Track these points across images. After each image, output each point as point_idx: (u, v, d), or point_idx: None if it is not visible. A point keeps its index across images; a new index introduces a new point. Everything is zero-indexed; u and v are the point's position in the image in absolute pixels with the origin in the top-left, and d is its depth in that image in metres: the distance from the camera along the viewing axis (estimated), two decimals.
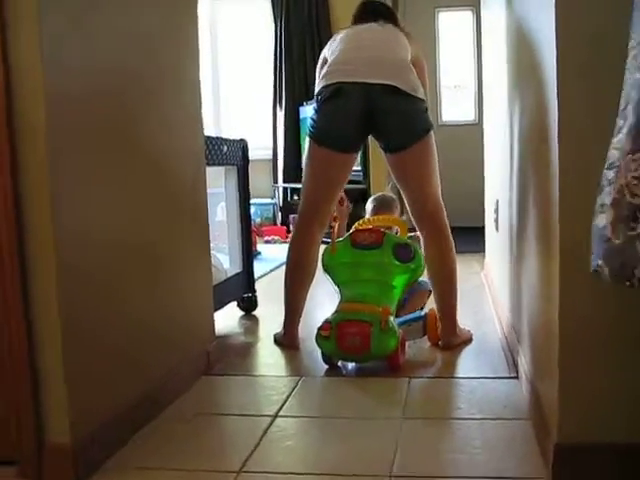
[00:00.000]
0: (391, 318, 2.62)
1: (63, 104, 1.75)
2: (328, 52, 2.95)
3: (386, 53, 2.81)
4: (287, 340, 3.06)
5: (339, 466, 1.84)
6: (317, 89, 2.85)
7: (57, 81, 1.72)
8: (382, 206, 3.34)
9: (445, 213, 2.87)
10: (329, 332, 2.62)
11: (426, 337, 2.93)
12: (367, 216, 3.30)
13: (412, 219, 2.94)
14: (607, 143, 1.19)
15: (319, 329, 2.66)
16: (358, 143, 2.90)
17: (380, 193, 3.63)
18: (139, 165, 2.19)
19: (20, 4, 1.64)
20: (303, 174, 2.98)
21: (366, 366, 2.66)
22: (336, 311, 2.70)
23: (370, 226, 3.06)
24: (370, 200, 3.48)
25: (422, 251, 2.88)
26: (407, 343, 2.76)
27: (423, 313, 2.97)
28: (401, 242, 2.89)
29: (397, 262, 2.82)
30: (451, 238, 2.87)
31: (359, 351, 2.58)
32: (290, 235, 3.06)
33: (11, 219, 1.69)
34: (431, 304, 3.05)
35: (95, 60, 1.92)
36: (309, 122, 2.89)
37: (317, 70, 3.00)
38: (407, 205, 2.92)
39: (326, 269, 2.94)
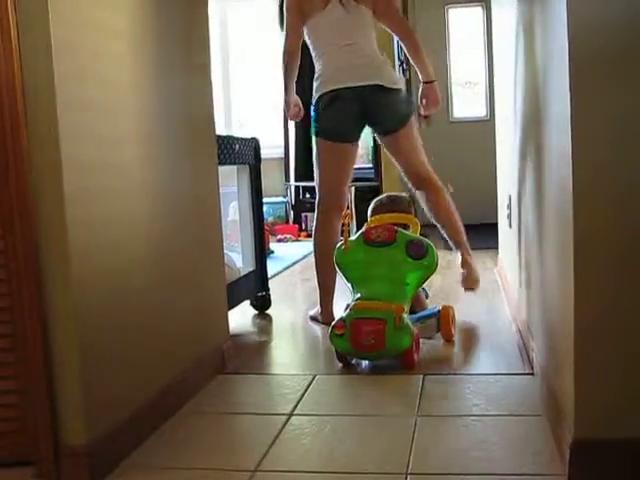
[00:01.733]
0: (405, 315, 2.61)
1: (77, 114, 1.76)
2: (308, 39, 3.34)
3: (365, 55, 3.24)
4: (325, 318, 3.30)
5: (355, 464, 1.84)
6: (315, 95, 3.30)
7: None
8: (394, 204, 3.31)
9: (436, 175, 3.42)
10: (343, 330, 2.61)
11: (440, 334, 2.93)
12: (369, 214, 3.28)
13: (411, 186, 3.44)
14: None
15: (333, 327, 2.66)
16: (357, 134, 3.37)
17: (391, 193, 3.59)
18: (151, 165, 2.19)
19: None
20: (315, 168, 3.42)
21: (380, 363, 2.66)
22: (350, 309, 2.70)
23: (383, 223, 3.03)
24: (378, 199, 3.40)
25: (436, 251, 2.86)
26: (421, 340, 2.74)
27: (436, 309, 2.96)
28: (414, 239, 2.88)
29: (410, 259, 2.81)
30: (446, 192, 3.39)
31: (373, 349, 2.57)
32: (313, 226, 3.43)
33: (27, 226, 1.70)
34: (442, 301, 3.05)
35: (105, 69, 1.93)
36: (313, 124, 3.41)
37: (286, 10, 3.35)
38: (405, 176, 3.45)
39: (339, 266, 2.93)
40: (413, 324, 2.68)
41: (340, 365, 2.69)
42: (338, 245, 2.96)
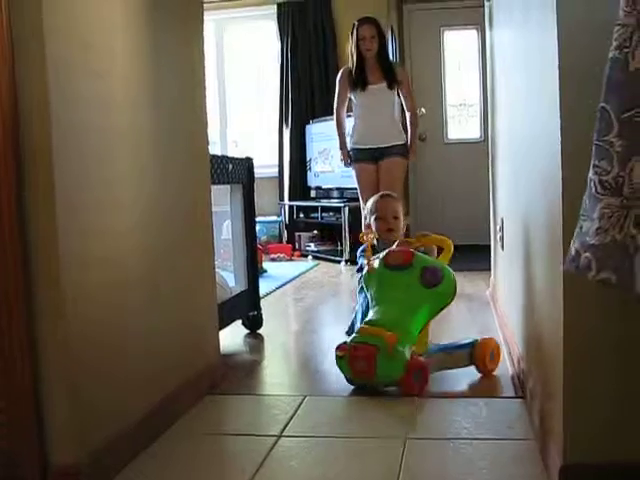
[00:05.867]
0: (399, 346, 2.52)
1: (70, 132, 1.77)
2: (356, 101, 5.05)
3: (386, 124, 4.98)
4: None
5: None
6: (350, 146, 5.09)
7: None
8: (387, 194, 3.39)
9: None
10: (344, 353, 2.61)
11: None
12: (368, 216, 3.26)
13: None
14: None
15: (337, 348, 2.65)
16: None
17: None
18: (144, 184, 2.20)
19: None
20: (356, 182, 5.09)
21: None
22: (355, 332, 2.67)
23: (410, 245, 2.95)
24: (377, 196, 3.45)
25: (453, 274, 2.77)
26: (439, 373, 2.68)
27: (470, 341, 2.81)
28: (430, 265, 2.76)
29: (423, 286, 2.70)
30: None
31: (366, 375, 2.55)
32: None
33: (15, 235, 1.70)
34: (487, 334, 3.02)
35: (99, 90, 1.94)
36: (352, 154, 5.07)
37: (337, 84, 5.10)
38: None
39: (365, 287, 2.87)
40: (434, 354, 2.67)
41: (330, 385, 2.68)
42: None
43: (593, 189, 1.20)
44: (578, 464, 1.63)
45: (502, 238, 3.59)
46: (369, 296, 2.82)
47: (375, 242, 3.12)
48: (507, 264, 3.30)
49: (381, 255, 2.88)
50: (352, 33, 4.94)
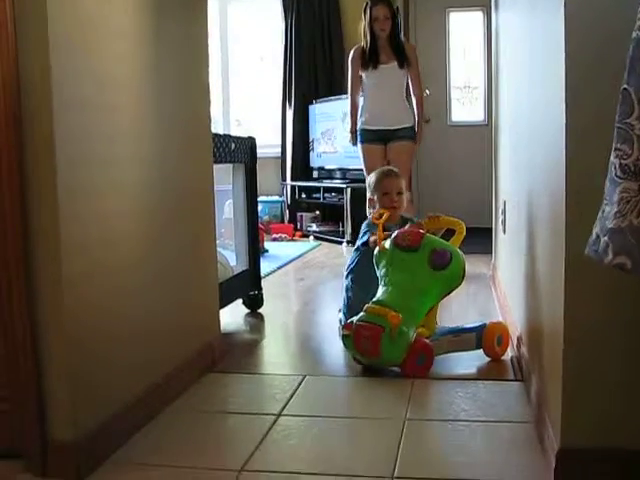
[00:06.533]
0: (403, 327, 2.52)
1: (72, 115, 1.76)
2: (367, 81, 4.97)
3: (395, 104, 4.94)
4: None
5: (341, 466, 1.84)
6: (360, 126, 4.98)
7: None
8: (390, 169, 3.37)
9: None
10: (349, 331, 2.62)
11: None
12: (369, 190, 3.24)
13: None
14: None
15: (343, 327, 2.67)
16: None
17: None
18: (145, 162, 2.19)
19: None
20: (362, 162, 5.01)
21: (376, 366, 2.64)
22: (363, 310, 2.67)
23: (421, 227, 2.94)
24: (379, 171, 3.39)
25: (462, 257, 2.77)
26: (445, 356, 2.68)
27: (479, 324, 2.80)
28: (438, 247, 2.75)
29: (431, 268, 2.69)
30: None
31: (370, 354, 2.56)
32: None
33: (18, 223, 1.70)
34: (487, 317, 3.04)
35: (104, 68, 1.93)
36: (359, 136, 4.98)
37: (350, 65, 5.02)
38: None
39: (375, 264, 2.85)
40: (441, 337, 2.68)
41: (329, 366, 2.69)
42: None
43: (613, 172, 1.18)
44: (575, 448, 1.63)
45: (504, 221, 3.59)
46: (378, 275, 2.81)
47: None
48: (508, 247, 3.29)
49: (392, 235, 2.86)
50: (365, 13, 4.91)
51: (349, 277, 3.12)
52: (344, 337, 2.65)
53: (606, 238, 1.17)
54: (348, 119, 5.16)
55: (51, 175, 1.70)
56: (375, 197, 3.21)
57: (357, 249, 3.15)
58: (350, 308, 2.99)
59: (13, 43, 1.65)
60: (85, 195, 1.84)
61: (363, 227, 3.18)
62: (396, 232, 2.87)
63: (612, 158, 1.18)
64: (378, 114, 4.93)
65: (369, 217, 3.17)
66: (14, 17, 1.64)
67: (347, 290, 3.10)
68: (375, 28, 4.86)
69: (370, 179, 3.32)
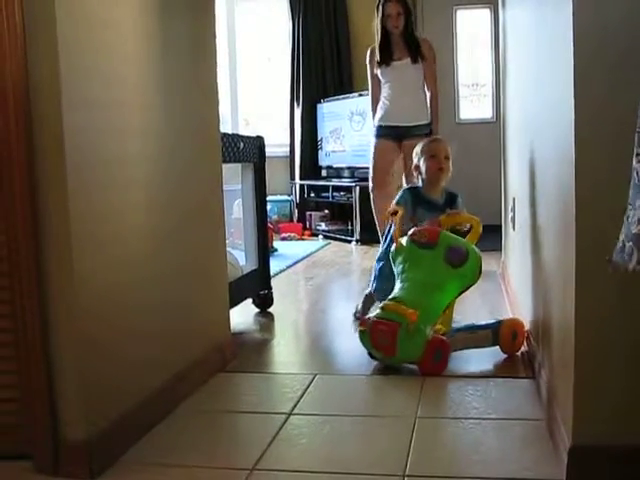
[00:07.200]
0: (420, 324, 2.52)
1: (81, 114, 1.77)
2: (382, 78, 4.99)
3: (410, 100, 4.93)
4: None
5: (352, 465, 1.84)
6: (376, 123, 5.02)
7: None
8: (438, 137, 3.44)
9: None
10: (365, 327, 2.62)
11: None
12: (418, 158, 3.21)
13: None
14: (625, 139, 1.18)
15: (360, 323, 2.69)
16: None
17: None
18: (154, 163, 2.20)
19: None
20: (371, 157, 5.04)
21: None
22: (379, 307, 2.69)
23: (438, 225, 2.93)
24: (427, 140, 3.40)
25: (479, 255, 2.78)
26: (454, 354, 2.66)
27: (496, 321, 2.81)
28: (454, 244, 2.75)
29: (447, 265, 2.70)
30: None
31: (387, 351, 2.56)
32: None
33: (29, 219, 1.71)
34: (498, 314, 3.03)
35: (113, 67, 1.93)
36: (375, 131, 5.03)
37: (368, 65, 5.04)
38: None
39: (392, 261, 2.87)
40: (461, 332, 2.69)
41: (340, 364, 2.69)
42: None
43: (636, 178, 1.17)
44: (587, 446, 1.63)
45: (513, 218, 3.58)
46: (395, 272, 2.82)
47: (420, 183, 3.17)
48: (518, 244, 3.28)
49: (409, 232, 2.86)
50: (377, 9, 4.89)
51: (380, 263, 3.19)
52: (360, 332, 2.65)
53: (631, 244, 1.17)
54: (366, 117, 5.28)
55: (61, 173, 1.70)
56: (421, 162, 3.18)
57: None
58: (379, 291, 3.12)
59: (22, 44, 1.66)
60: (95, 193, 1.84)
61: (400, 193, 3.22)
62: (412, 229, 2.86)
63: (634, 163, 1.18)
64: (393, 111, 4.91)
65: (406, 185, 3.21)
66: (23, 19, 1.65)
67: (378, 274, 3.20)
68: (388, 25, 4.83)
69: (417, 148, 3.29)
